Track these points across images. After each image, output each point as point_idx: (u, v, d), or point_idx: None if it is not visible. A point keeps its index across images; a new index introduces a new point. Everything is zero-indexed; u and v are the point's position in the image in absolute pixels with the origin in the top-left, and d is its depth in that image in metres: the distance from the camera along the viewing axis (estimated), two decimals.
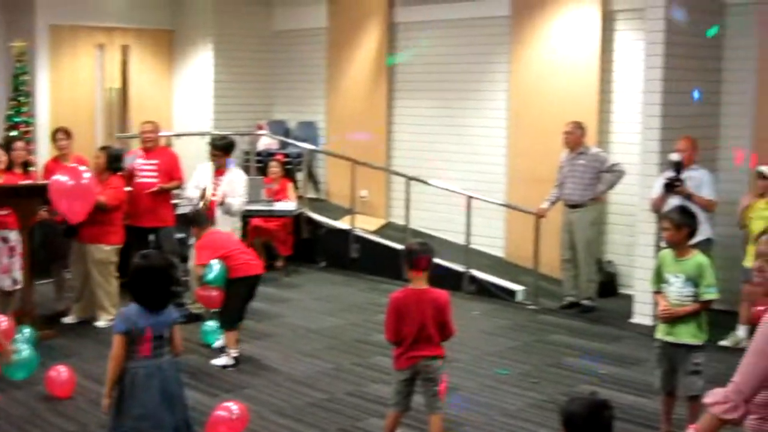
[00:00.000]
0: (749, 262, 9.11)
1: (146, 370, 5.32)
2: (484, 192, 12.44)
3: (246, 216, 11.90)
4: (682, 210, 6.88)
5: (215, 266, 8.52)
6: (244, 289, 8.71)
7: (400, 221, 13.26)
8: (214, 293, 8.53)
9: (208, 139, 11.43)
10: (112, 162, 10.22)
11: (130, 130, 14.39)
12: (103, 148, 10.62)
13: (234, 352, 8.77)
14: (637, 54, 11.12)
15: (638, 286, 10.22)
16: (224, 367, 8.66)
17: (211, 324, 9.29)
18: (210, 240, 8.80)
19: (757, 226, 9.18)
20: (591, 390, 6.72)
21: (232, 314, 8.77)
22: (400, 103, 14.18)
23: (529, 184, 12.26)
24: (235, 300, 8.67)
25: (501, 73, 12.89)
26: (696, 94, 10.25)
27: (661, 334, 6.67)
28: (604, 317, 10.69)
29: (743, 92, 10.76)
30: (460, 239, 12.30)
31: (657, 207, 9.81)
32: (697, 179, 9.77)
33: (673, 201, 9.53)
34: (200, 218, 9.02)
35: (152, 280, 5.33)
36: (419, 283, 6.21)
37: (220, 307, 8.68)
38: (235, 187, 10.35)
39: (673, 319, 6.55)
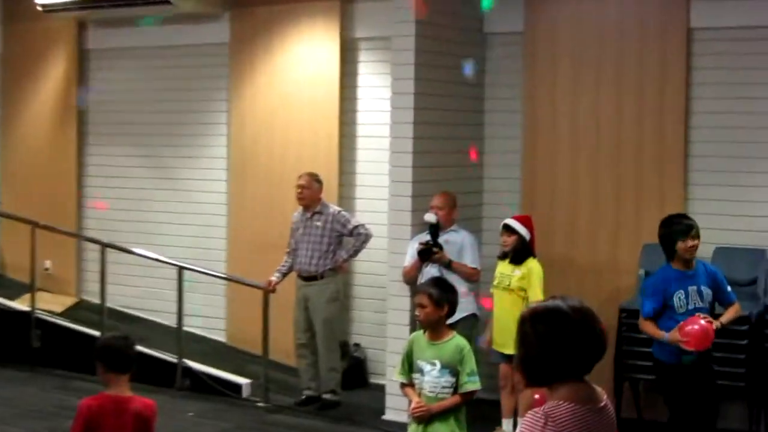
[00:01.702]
0: (501, 345, 9.32)
1: None
2: (201, 261, 12.32)
3: None
4: (441, 283, 6.94)
5: None
6: None
7: (95, 299, 12.90)
8: None
9: None
10: None
11: None
12: None
13: None
14: (384, 92, 11.30)
15: (392, 375, 10.24)
16: None
17: None
18: None
19: (499, 301, 9.42)
20: None
21: None
22: (94, 150, 13.91)
23: (255, 251, 12.21)
24: None
25: (219, 113, 12.87)
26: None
27: None
28: (351, 414, 10.69)
29: (509, 137, 11.11)
30: (171, 320, 12.07)
31: (410, 277, 9.92)
32: (457, 243, 9.95)
33: (430, 270, 9.67)
34: None
35: None
36: (119, 387, 5.99)
37: None
38: None
39: (428, 417, 6.55)
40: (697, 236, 8.03)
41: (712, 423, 8.18)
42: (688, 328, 7.74)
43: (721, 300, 8.13)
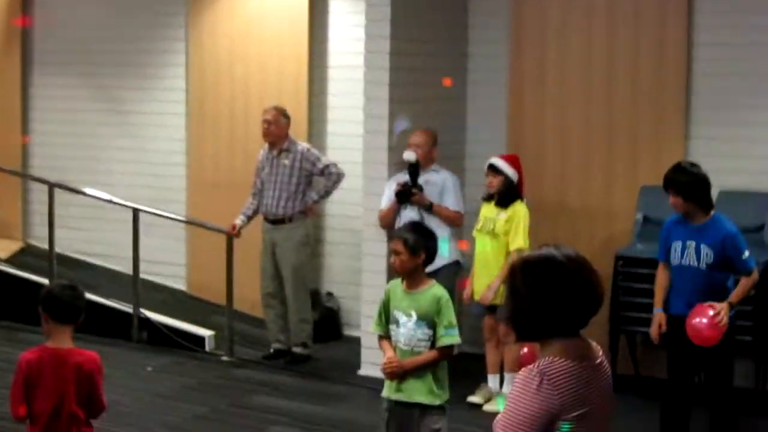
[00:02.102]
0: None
1: None
2: (158, 203, 12.32)
3: None
4: (418, 228, 6.95)
5: None
6: None
7: (43, 244, 12.89)
8: None
9: None
10: None
11: None
12: None
13: None
14: (357, 18, 11.24)
15: (367, 326, 10.26)
16: None
17: None
18: None
19: (482, 247, 9.46)
20: None
21: None
22: (39, 81, 13.83)
23: (217, 192, 12.23)
24: None
25: (176, 41, 12.83)
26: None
27: (388, 391, 6.74)
28: (323, 369, 10.78)
29: (494, 69, 11.10)
30: (126, 267, 12.10)
31: (387, 221, 9.96)
32: (438, 184, 9.99)
33: (409, 213, 9.70)
34: None
35: None
36: (61, 339, 6.08)
37: None
38: None
39: (403, 373, 6.61)
40: (678, 192, 7.87)
41: (727, 382, 8.13)
42: (695, 321, 7.69)
43: (735, 268, 7.93)
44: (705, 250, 7.85)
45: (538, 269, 3.92)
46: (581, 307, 3.89)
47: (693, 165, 8.19)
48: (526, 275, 3.93)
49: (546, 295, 3.87)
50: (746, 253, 7.90)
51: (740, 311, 8.64)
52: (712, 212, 7.97)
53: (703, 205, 7.94)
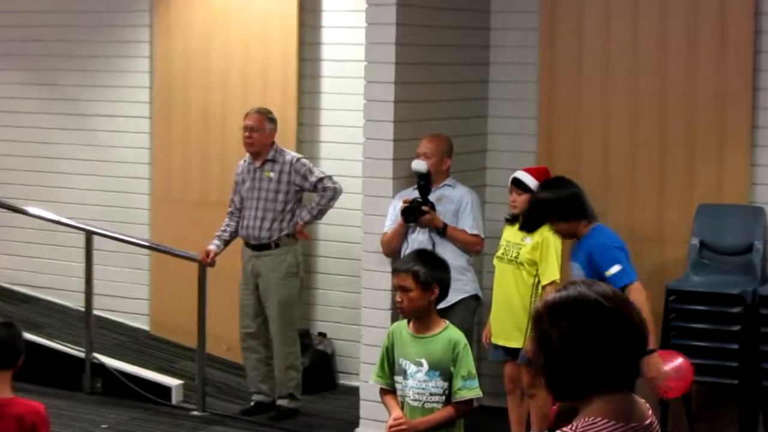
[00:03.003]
0: (504, 337, 9.32)
1: None
2: (116, 224, 12.38)
3: None
4: (427, 257, 6.92)
5: None
6: None
7: None
8: None
9: None
10: None
11: None
12: None
13: None
14: (357, 2, 11.25)
15: (366, 375, 10.23)
16: None
17: None
18: None
19: (503, 277, 9.44)
20: None
21: None
22: None
23: (187, 212, 12.30)
24: None
25: (140, 29, 12.89)
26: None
27: None
28: (313, 427, 10.81)
29: (523, 63, 11.09)
30: (77, 302, 12.13)
31: (392, 247, 9.94)
32: (454, 202, 9.99)
33: (418, 237, 9.68)
34: None
35: None
36: None
37: None
38: None
39: None
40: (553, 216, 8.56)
41: None
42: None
43: None
44: (575, 269, 8.21)
45: (569, 312, 3.88)
46: (625, 354, 3.86)
47: (556, 182, 8.78)
48: (555, 320, 3.88)
49: (582, 343, 3.83)
50: (615, 269, 8.11)
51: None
52: (592, 225, 8.39)
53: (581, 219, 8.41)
